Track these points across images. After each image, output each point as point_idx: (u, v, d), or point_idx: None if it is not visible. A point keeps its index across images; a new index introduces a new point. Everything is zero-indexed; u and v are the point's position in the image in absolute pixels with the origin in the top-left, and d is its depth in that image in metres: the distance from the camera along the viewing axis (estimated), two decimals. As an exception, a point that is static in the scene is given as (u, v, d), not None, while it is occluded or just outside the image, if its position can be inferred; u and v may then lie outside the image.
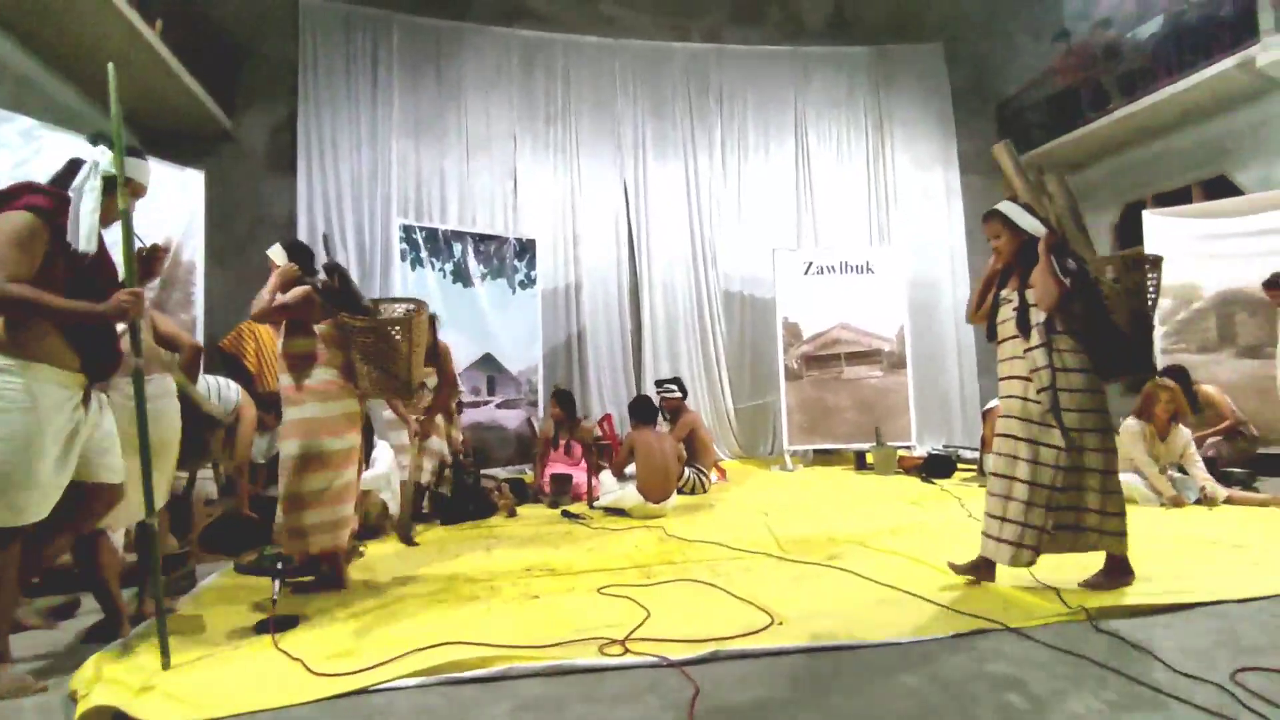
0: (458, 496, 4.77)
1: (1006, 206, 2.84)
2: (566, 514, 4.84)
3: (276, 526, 2.99)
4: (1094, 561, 2.76)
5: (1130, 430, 4.51)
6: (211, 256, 5.74)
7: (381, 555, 3.77)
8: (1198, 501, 4.31)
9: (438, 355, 4.65)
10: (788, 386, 7.30)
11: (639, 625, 2.41)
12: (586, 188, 8.18)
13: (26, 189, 2.12)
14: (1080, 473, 2.63)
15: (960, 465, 6.41)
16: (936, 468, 6.17)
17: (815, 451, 7.54)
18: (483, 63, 7.99)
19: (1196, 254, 6.18)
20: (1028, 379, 2.70)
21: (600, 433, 6.45)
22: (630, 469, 4.89)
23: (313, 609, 2.75)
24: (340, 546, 3.06)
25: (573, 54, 8.29)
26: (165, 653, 2.17)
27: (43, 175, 2.31)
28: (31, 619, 2.66)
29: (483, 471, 5.38)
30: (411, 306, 3.19)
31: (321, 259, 3.38)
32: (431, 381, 4.65)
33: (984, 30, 9.39)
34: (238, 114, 7.45)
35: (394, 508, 4.41)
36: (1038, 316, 2.69)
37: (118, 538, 3.23)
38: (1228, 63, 6.38)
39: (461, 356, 6.32)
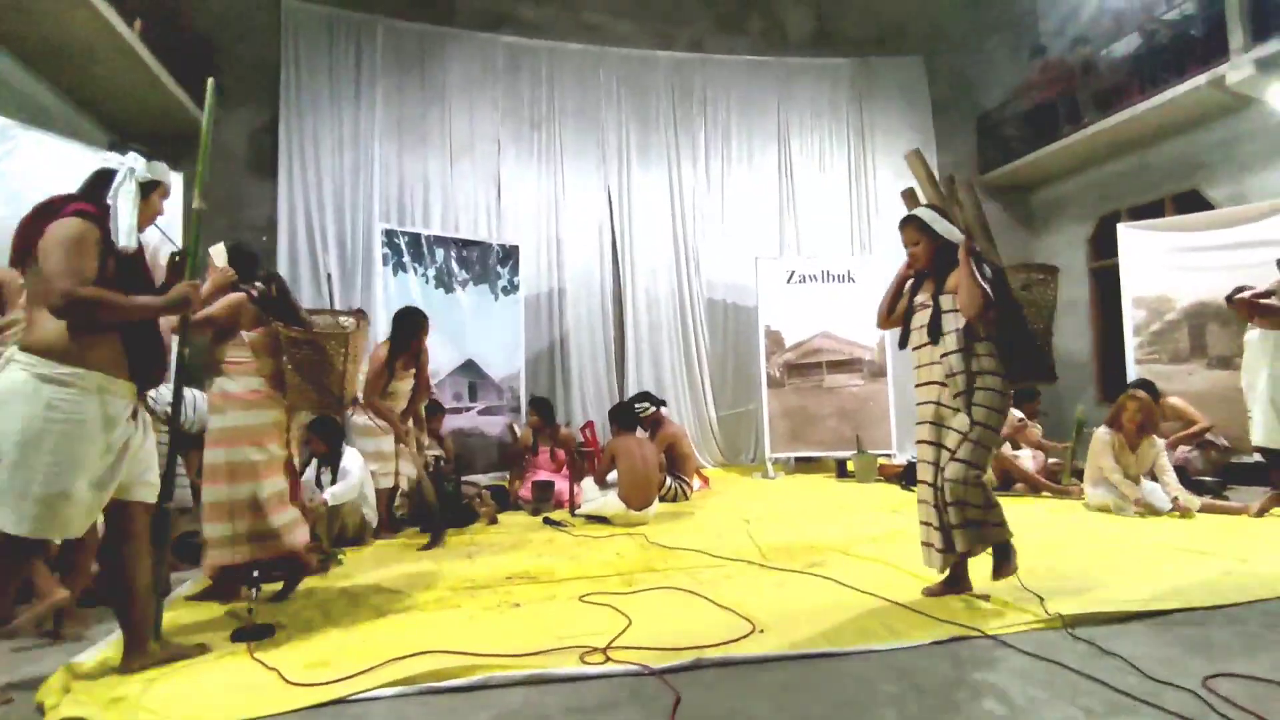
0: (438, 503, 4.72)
1: (924, 213, 2.85)
2: (548, 521, 4.82)
3: (204, 536, 2.90)
4: (1082, 568, 2.80)
5: (1100, 440, 4.59)
6: (189, 259, 5.66)
7: (360, 564, 3.73)
8: (1170, 511, 4.37)
9: (419, 359, 4.62)
10: (770, 394, 7.33)
11: (620, 633, 2.40)
12: (570, 194, 8.19)
13: (67, 199, 2.14)
14: (960, 468, 2.67)
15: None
16: (916, 476, 6.20)
17: (797, 459, 7.58)
18: (467, 68, 7.98)
19: (1169, 266, 6.31)
20: (943, 384, 2.72)
21: (582, 439, 6.44)
22: (612, 476, 4.88)
23: (289, 618, 2.71)
24: (280, 552, 2.93)
25: (557, 60, 8.30)
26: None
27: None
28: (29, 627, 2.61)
29: (463, 478, 5.34)
30: (351, 322, 3.14)
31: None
32: (407, 385, 4.59)
33: (963, 45, 9.55)
34: (217, 115, 7.36)
35: (371, 517, 4.36)
36: (957, 322, 2.69)
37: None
38: (1199, 80, 6.53)
39: (443, 362, 6.29)
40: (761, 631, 2.42)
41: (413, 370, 4.56)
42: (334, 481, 4.09)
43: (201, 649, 2.35)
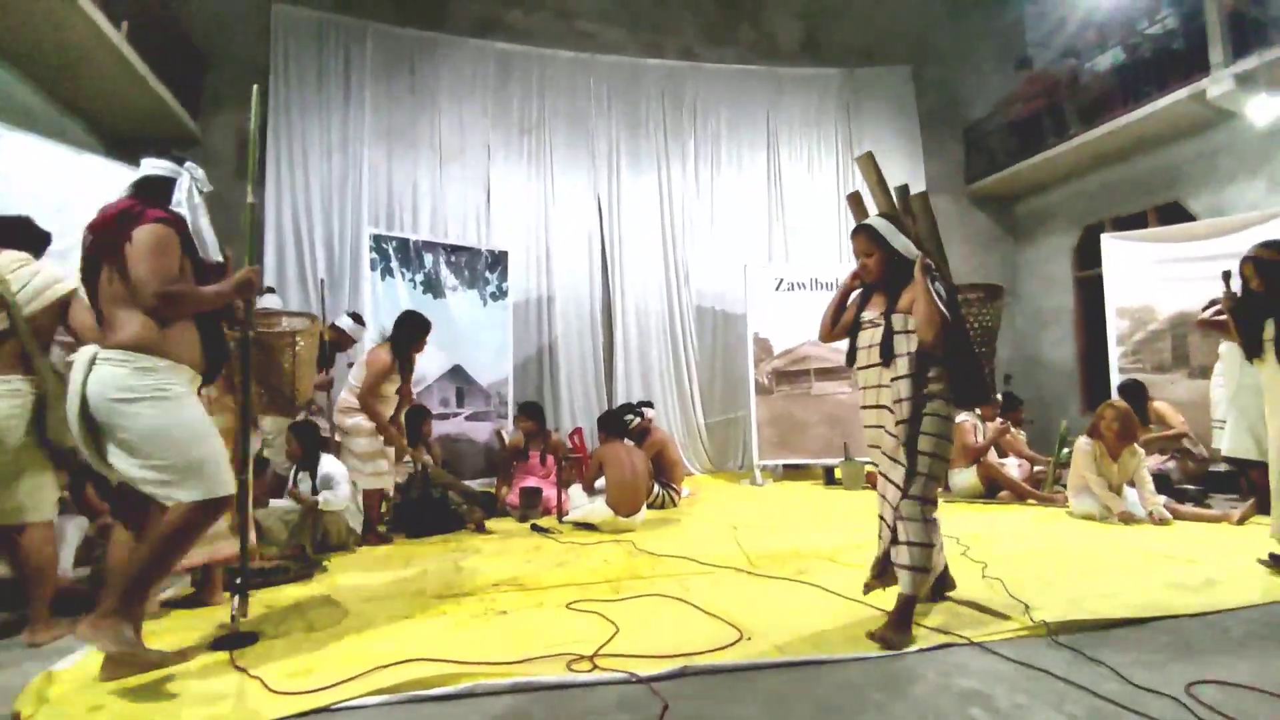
0: (424, 509, 4.70)
1: (879, 223, 2.65)
2: (536, 528, 4.80)
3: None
4: (1066, 575, 2.80)
5: (1082, 450, 4.64)
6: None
7: (344, 570, 3.69)
8: (1146, 520, 4.43)
9: (409, 366, 4.61)
10: (758, 401, 7.35)
11: (607, 641, 2.39)
12: (560, 200, 8.19)
13: (145, 206, 2.28)
14: (908, 502, 2.47)
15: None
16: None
17: (785, 466, 7.59)
18: (458, 73, 7.98)
19: (1152, 277, 6.40)
20: (890, 409, 2.53)
21: (570, 445, 6.42)
22: (600, 483, 4.87)
23: (272, 625, 2.68)
24: (215, 560, 2.92)
25: (548, 67, 8.32)
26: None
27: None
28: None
29: (450, 485, 5.31)
30: (303, 322, 3.10)
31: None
32: (393, 389, 4.56)
33: (951, 56, 9.66)
34: (205, 119, 7.33)
35: (356, 523, 4.32)
36: (910, 344, 2.49)
37: (67, 554, 3.13)
38: (1180, 94, 6.65)
39: (431, 368, 6.27)
40: (749, 639, 2.42)
41: (398, 377, 4.54)
42: (314, 488, 4.06)
43: (182, 656, 2.32)
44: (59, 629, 2.59)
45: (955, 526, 4.39)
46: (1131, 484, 4.60)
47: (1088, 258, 8.30)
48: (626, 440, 5.22)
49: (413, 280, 6.44)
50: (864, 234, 2.64)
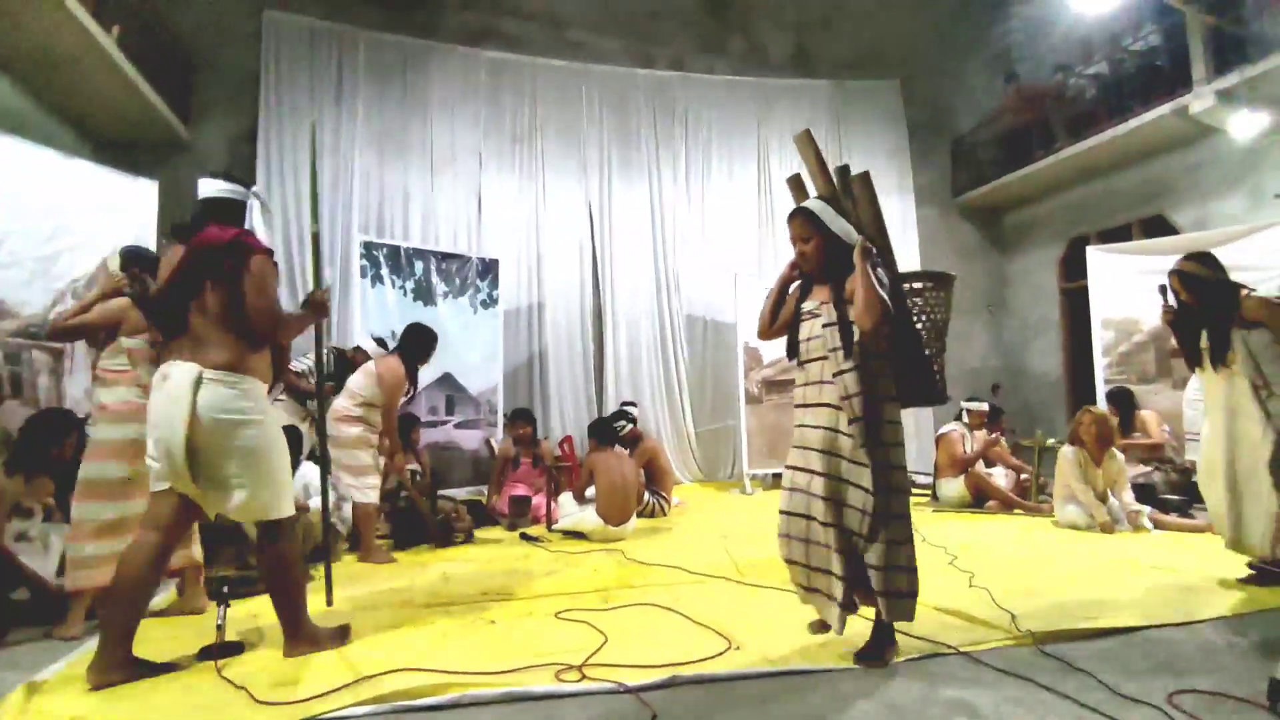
0: (413, 518, 4.67)
1: (816, 205, 2.44)
2: (525, 536, 4.79)
3: (68, 555, 2.75)
4: (1052, 585, 2.82)
5: (1065, 458, 4.70)
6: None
7: (332, 579, 3.66)
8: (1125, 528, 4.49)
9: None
10: (748, 410, 7.37)
11: (596, 650, 2.39)
12: (551, 208, 8.21)
13: (251, 236, 2.47)
14: (884, 520, 2.24)
15: (915, 490, 6.53)
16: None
17: (774, 475, 7.59)
18: (449, 81, 8.00)
19: (1137, 289, 6.46)
20: (838, 407, 2.30)
21: (560, 453, 6.41)
22: (590, 491, 4.86)
23: (257, 635, 2.66)
24: (188, 566, 2.89)
25: (540, 75, 8.36)
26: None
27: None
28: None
29: (439, 493, 5.29)
30: None
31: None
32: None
33: (939, 69, 9.77)
34: (195, 124, 7.31)
35: (342, 529, 4.28)
36: (853, 335, 2.29)
37: (51, 562, 3.07)
38: (1164, 109, 6.76)
39: (421, 375, 6.22)
40: (738, 648, 2.42)
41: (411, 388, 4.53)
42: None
43: (168, 667, 2.30)
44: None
45: (943, 536, 4.42)
46: (1113, 491, 4.66)
47: (1074, 269, 8.39)
48: (617, 448, 5.22)
49: (403, 288, 6.43)
50: (800, 217, 2.44)
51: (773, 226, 8.90)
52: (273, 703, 2.00)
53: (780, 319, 2.57)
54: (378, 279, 6.28)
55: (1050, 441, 5.70)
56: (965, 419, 5.97)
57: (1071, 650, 2.35)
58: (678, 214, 8.61)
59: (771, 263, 8.75)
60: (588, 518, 4.69)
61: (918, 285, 2.49)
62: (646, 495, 5.49)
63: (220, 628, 2.42)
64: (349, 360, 4.90)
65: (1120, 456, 4.73)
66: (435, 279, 6.64)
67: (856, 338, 2.27)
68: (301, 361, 5.00)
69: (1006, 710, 1.92)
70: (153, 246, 5.27)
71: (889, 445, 2.28)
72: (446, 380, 6.54)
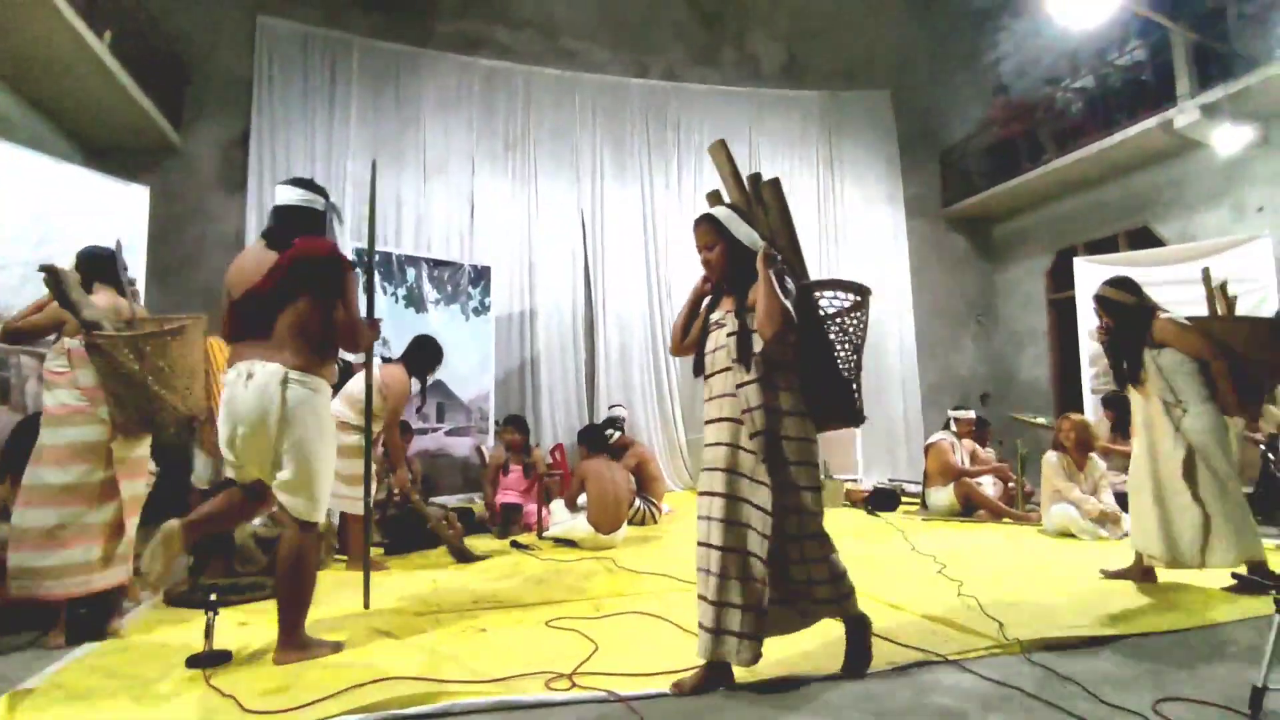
0: (404, 526, 4.65)
1: (720, 212, 2.36)
2: (516, 544, 4.78)
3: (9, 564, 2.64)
4: (1039, 593, 2.84)
5: (1050, 463, 4.79)
6: (153, 274, 5.56)
7: (319, 587, 3.64)
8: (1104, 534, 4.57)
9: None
10: (739, 418, 7.37)
11: (587, 659, 2.39)
12: (544, 216, 8.23)
13: (331, 246, 2.59)
14: (800, 541, 2.21)
15: (905, 499, 6.57)
16: (881, 501, 6.31)
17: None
18: (443, 88, 8.01)
19: (1123, 300, 6.53)
20: (740, 422, 2.20)
21: (551, 461, 6.41)
22: (581, 500, 4.86)
23: (246, 643, 2.64)
24: (73, 595, 2.66)
25: (533, 83, 8.39)
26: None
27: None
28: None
29: (430, 500, 5.27)
30: (176, 328, 2.78)
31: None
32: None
33: (930, 81, 9.88)
34: (186, 129, 7.28)
35: (330, 535, 4.25)
36: (757, 346, 2.20)
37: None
38: (1149, 123, 6.85)
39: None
40: (728, 657, 2.42)
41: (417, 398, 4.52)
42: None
43: (158, 675, 2.28)
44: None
45: (932, 544, 4.45)
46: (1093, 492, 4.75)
47: (1061, 280, 8.48)
48: (608, 456, 5.21)
49: (394, 294, 6.43)
50: (704, 224, 2.35)
51: (764, 235, 8.94)
52: (261, 711, 1.99)
53: (691, 334, 2.44)
54: (369, 285, 6.26)
55: (1040, 419, 5.81)
56: (954, 427, 6.02)
57: (1058, 658, 2.37)
58: (670, 221, 8.64)
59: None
60: (579, 526, 4.68)
61: (830, 295, 2.38)
62: (637, 502, 5.49)
63: (208, 636, 2.40)
64: (348, 366, 4.89)
65: (1100, 462, 4.83)
66: (427, 286, 6.64)
67: (758, 348, 2.18)
68: None
69: (993, 718, 1.94)
70: (142, 251, 5.27)
71: (792, 464, 2.17)
72: (438, 387, 6.52)
